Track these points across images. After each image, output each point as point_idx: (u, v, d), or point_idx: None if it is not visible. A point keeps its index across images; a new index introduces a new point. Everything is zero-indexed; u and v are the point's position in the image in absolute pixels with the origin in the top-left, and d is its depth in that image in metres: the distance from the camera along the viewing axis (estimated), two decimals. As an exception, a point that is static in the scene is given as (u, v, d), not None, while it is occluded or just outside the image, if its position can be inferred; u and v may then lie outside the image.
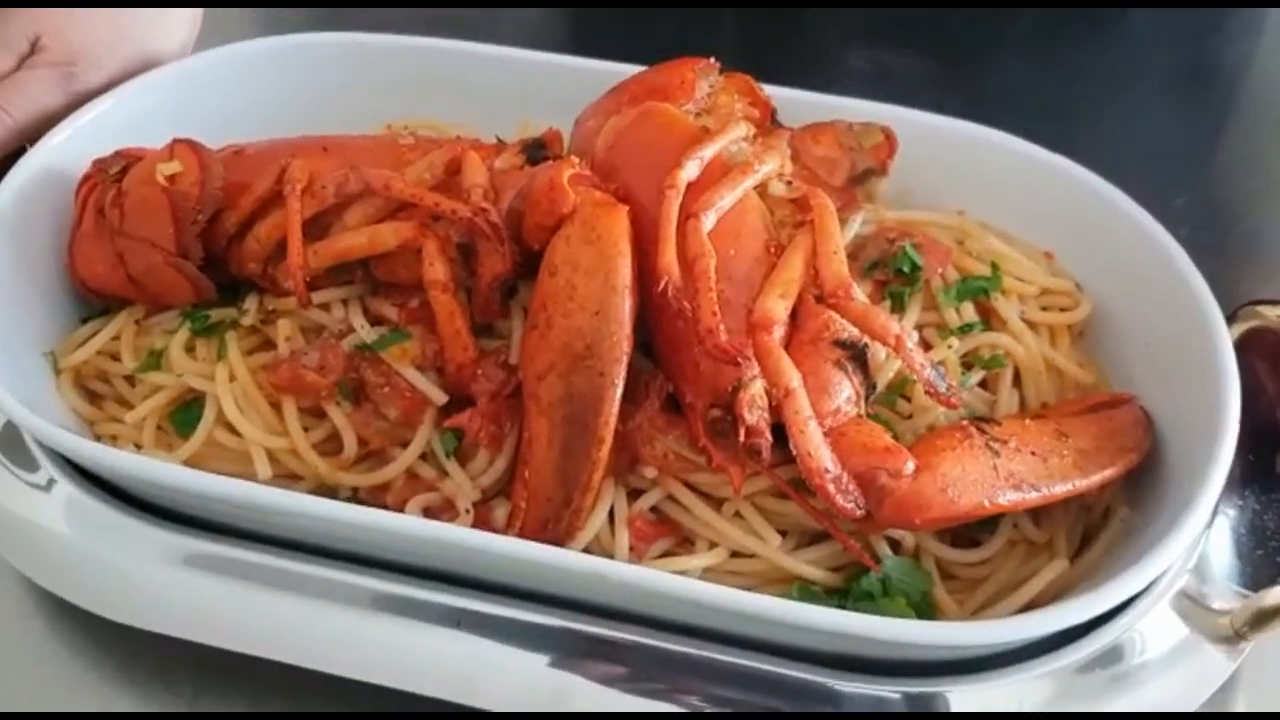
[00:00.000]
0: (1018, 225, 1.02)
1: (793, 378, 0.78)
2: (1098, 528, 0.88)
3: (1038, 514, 0.87)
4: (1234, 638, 0.82)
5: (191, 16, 1.14)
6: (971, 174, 1.04)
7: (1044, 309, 0.96)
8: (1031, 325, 0.94)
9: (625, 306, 0.80)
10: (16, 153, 1.02)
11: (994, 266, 0.95)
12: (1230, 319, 0.92)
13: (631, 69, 1.03)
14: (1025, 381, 0.92)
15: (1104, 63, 1.52)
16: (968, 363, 0.92)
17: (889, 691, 0.79)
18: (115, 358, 0.96)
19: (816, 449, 0.76)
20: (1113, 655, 0.80)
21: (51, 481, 0.88)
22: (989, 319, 0.94)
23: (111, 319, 0.97)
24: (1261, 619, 0.80)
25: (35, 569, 0.89)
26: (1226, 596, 0.83)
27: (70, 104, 1.04)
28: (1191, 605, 0.82)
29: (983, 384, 0.92)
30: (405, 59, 1.11)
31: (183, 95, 1.08)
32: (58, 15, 1.05)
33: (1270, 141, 1.44)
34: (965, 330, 0.92)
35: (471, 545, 0.77)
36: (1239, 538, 0.86)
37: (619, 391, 0.79)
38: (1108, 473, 0.83)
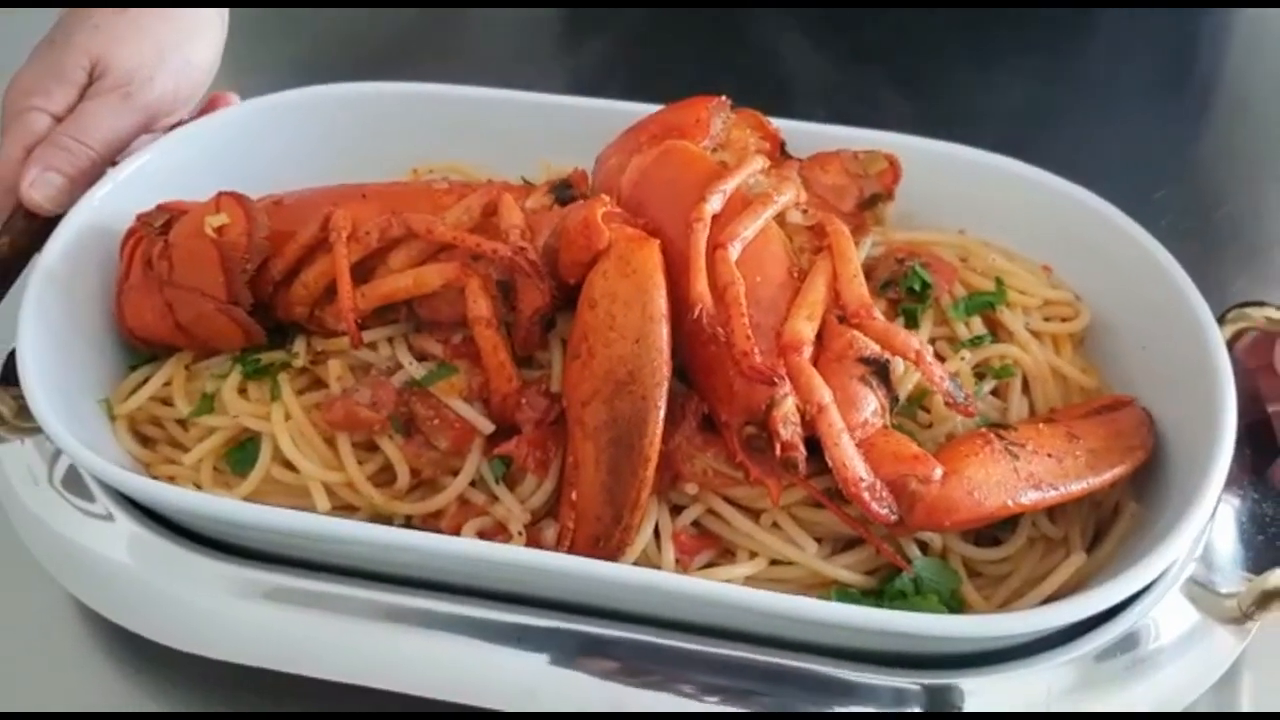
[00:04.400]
0: (1015, 242, 1.08)
1: (825, 394, 0.83)
2: (1108, 523, 0.94)
3: (1053, 512, 0.92)
4: (1241, 618, 0.87)
5: (220, 23, 1.19)
6: (969, 195, 1.09)
7: (1046, 319, 1.02)
8: (1036, 335, 1.00)
9: (663, 334, 0.85)
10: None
11: (998, 281, 1.01)
12: (1220, 320, 0.98)
13: (643, 108, 1.08)
14: (1033, 388, 0.98)
15: (1075, 68, 1.59)
16: (979, 373, 0.97)
17: (915, 683, 0.84)
18: (166, 402, 1.00)
19: (851, 459, 0.81)
20: (1130, 641, 0.85)
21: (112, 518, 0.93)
22: (996, 331, 1.00)
23: (160, 365, 1.01)
24: (1266, 599, 0.85)
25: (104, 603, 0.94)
26: (1233, 581, 0.89)
27: (137, 121, 1.09)
28: (1201, 591, 0.88)
29: (994, 392, 0.97)
30: (427, 106, 1.15)
31: (214, 148, 1.12)
32: (106, 42, 1.10)
33: (1243, 135, 1.51)
34: (975, 343, 0.98)
35: (543, 566, 0.82)
36: (1241, 525, 0.92)
37: (662, 413, 0.84)
38: (1118, 470, 0.89)
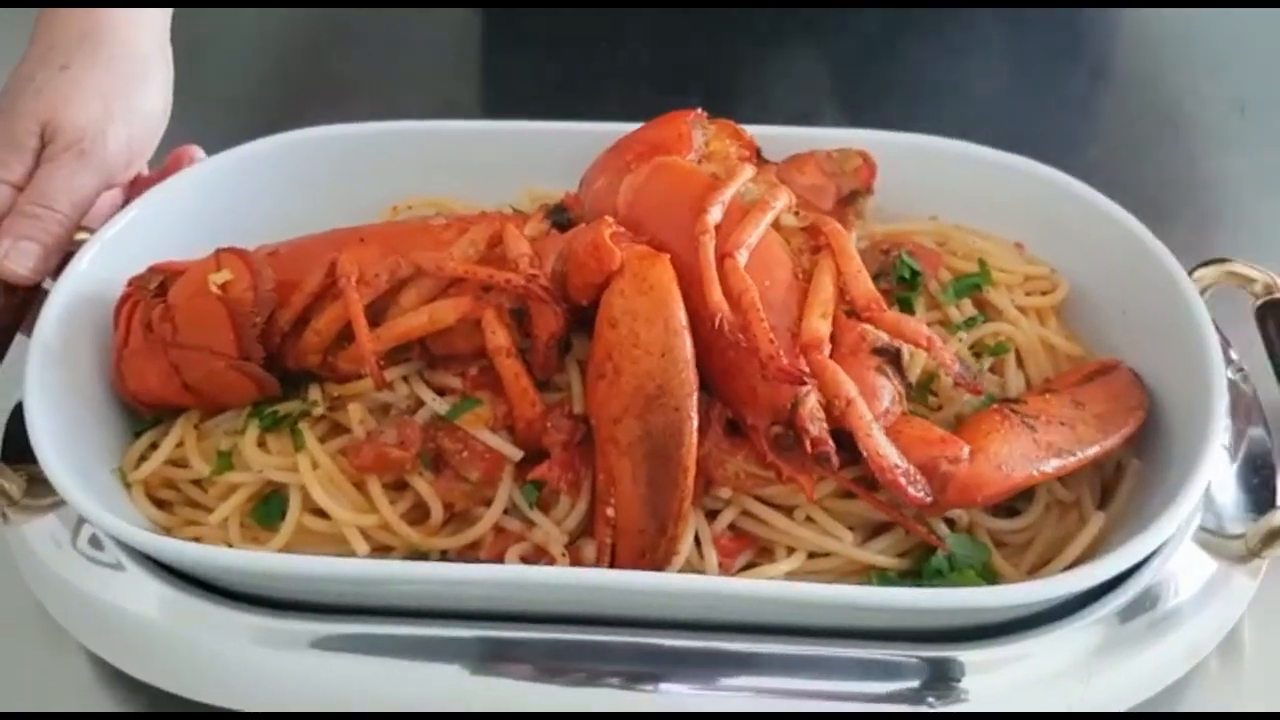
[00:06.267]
0: (984, 222, 1.12)
1: (850, 388, 0.86)
2: (1112, 482, 0.98)
3: (1062, 478, 0.96)
4: (1249, 557, 0.92)
5: (166, 67, 1.18)
6: (934, 182, 1.13)
7: (1028, 294, 1.07)
8: (1022, 310, 1.04)
9: (687, 345, 0.87)
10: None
11: (981, 262, 1.06)
12: (1185, 279, 1.03)
13: (618, 128, 1.10)
14: (1027, 362, 1.02)
15: (971, 52, 1.64)
16: (975, 352, 1.01)
17: (959, 655, 0.87)
18: (179, 464, 1.00)
19: (885, 448, 0.85)
20: (1154, 592, 0.89)
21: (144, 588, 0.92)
22: (984, 310, 1.04)
23: (169, 428, 1.01)
24: (1272, 537, 0.90)
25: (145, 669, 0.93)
26: (1238, 523, 0.94)
27: (97, 178, 1.08)
28: (1211, 537, 0.92)
29: (990, 369, 1.01)
30: (401, 143, 1.16)
31: (192, 206, 1.12)
32: (52, 104, 1.08)
33: (1141, 103, 1.57)
34: (969, 324, 1.02)
35: (614, 585, 0.85)
36: (1237, 469, 0.97)
37: (695, 423, 0.87)
38: (1125, 430, 0.93)
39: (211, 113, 1.49)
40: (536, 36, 1.62)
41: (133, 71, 1.14)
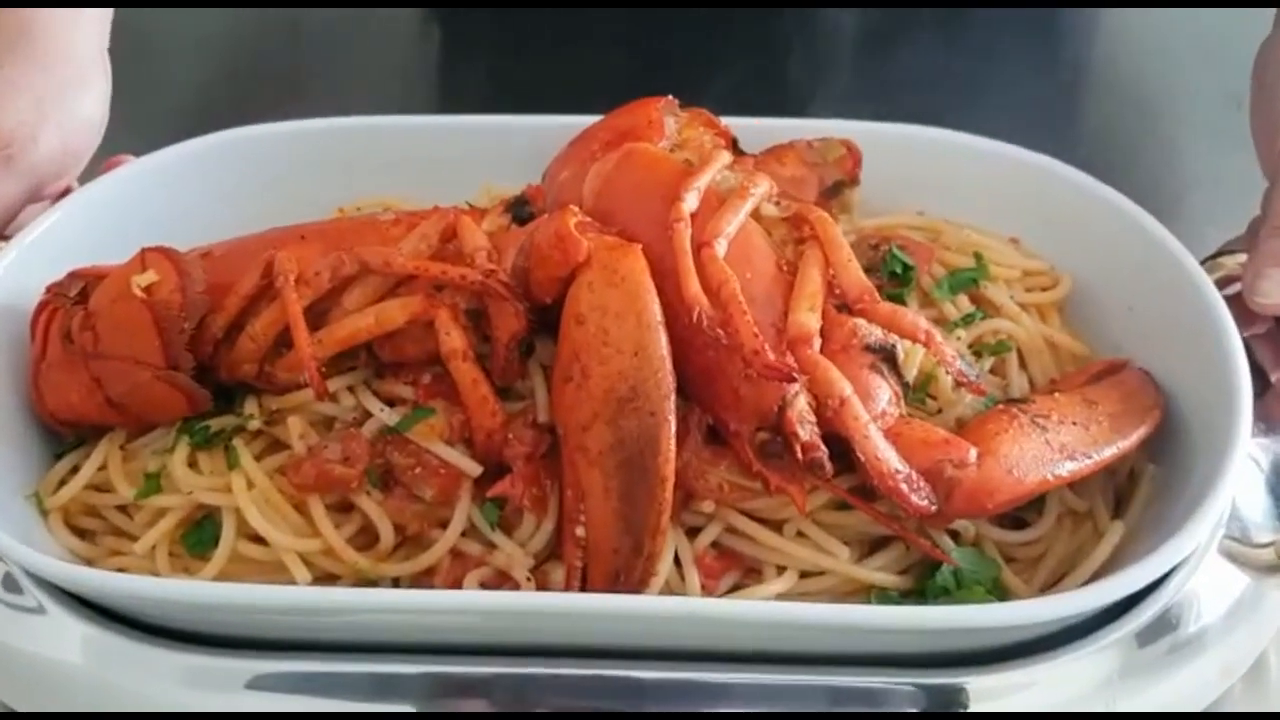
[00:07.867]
0: (975, 217, 1.05)
1: (845, 386, 0.78)
2: (1126, 489, 0.91)
3: (1073, 485, 0.88)
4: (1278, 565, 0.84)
5: (105, 74, 1.11)
6: (921, 174, 1.06)
7: (1028, 290, 0.99)
8: (1023, 307, 0.97)
9: (663, 342, 0.79)
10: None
11: (978, 256, 0.98)
12: (1196, 273, 0.95)
13: (581, 120, 1.02)
14: (1029, 361, 0.95)
15: (960, 53, 1.58)
16: (975, 350, 0.94)
17: (964, 681, 0.79)
18: (102, 489, 0.90)
19: (884, 452, 0.76)
20: (1179, 609, 0.81)
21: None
22: (982, 306, 0.97)
23: (91, 450, 0.92)
24: (1306, 545, 0.83)
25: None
26: (1265, 532, 0.86)
27: (24, 185, 1.01)
28: (1237, 546, 0.85)
29: (990, 370, 0.94)
30: (345, 141, 1.08)
31: (118, 210, 1.03)
32: None
33: (1133, 100, 1.53)
34: (967, 321, 0.94)
35: (588, 611, 0.76)
36: (1264, 475, 0.90)
37: (673, 427, 0.78)
38: (1142, 431, 0.86)
39: (156, 116, 1.41)
40: (492, 37, 1.56)
41: (70, 75, 1.07)
